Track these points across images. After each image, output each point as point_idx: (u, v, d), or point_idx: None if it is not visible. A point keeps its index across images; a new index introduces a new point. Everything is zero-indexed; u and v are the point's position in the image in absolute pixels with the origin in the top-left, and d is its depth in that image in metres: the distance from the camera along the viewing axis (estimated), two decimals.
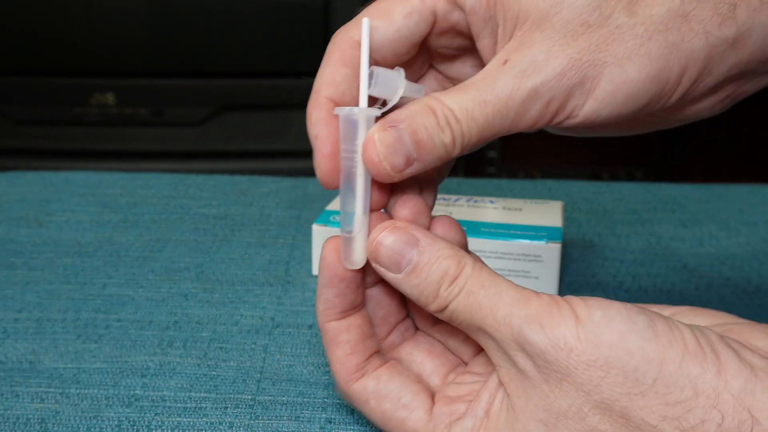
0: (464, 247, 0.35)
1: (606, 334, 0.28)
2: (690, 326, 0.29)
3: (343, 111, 0.32)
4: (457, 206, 0.53)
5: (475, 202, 0.54)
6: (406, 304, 0.37)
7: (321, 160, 0.33)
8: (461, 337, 0.36)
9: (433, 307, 0.32)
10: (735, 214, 0.63)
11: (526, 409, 0.30)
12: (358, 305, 0.34)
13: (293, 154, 1.47)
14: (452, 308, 0.31)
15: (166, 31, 1.45)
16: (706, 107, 0.34)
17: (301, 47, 1.43)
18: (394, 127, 0.31)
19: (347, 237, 0.33)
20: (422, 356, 0.35)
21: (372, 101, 0.33)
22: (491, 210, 0.53)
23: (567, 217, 0.62)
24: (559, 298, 0.30)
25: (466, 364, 0.35)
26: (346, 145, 0.33)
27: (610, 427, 0.28)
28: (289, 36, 1.43)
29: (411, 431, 0.32)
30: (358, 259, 0.33)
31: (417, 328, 0.37)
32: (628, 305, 0.29)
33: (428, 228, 0.34)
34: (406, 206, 0.34)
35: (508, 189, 0.68)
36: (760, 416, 0.27)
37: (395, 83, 0.33)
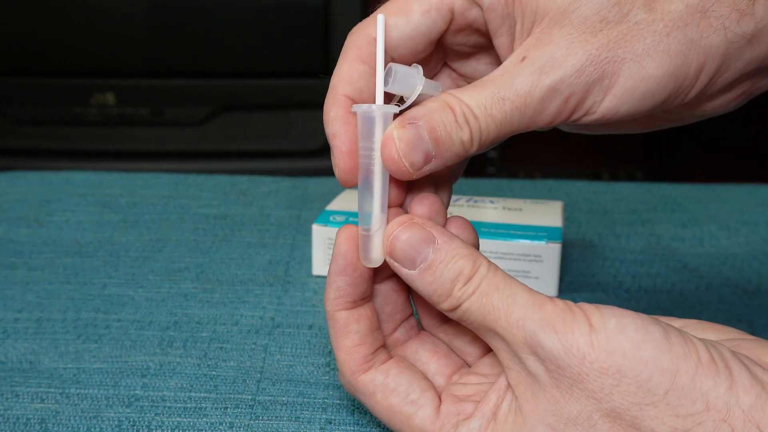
0: (476, 248, 0.35)
1: (620, 343, 0.28)
2: (703, 340, 0.29)
3: (361, 108, 0.32)
4: (457, 206, 0.53)
5: (475, 202, 0.54)
6: (412, 302, 0.37)
7: (340, 158, 0.33)
8: (467, 339, 0.35)
9: (445, 305, 0.32)
10: (735, 214, 0.63)
11: (535, 412, 0.30)
12: (367, 296, 0.34)
13: (293, 154, 1.47)
14: (465, 308, 0.31)
15: (166, 31, 1.45)
16: (722, 104, 0.34)
17: (301, 47, 1.43)
18: (412, 124, 0.31)
19: (365, 235, 0.33)
20: (427, 355, 0.35)
21: (389, 98, 0.33)
22: (491, 210, 0.53)
23: (567, 217, 0.62)
24: (573, 304, 0.30)
25: (469, 366, 0.35)
26: (364, 142, 0.32)
27: None
28: (289, 36, 1.43)
29: (417, 428, 0.32)
30: (377, 257, 0.33)
31: (420, 328, 0.37)
32: (642, 315, 0.29)
33: (443, 223, 0.34)
34: (424, 204, 0.34)
35: (508, 189, 0.68)
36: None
37: (413, 80, 0.33)
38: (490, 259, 0.47)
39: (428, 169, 0.32)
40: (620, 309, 0.29)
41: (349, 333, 0.33)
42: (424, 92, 0.33)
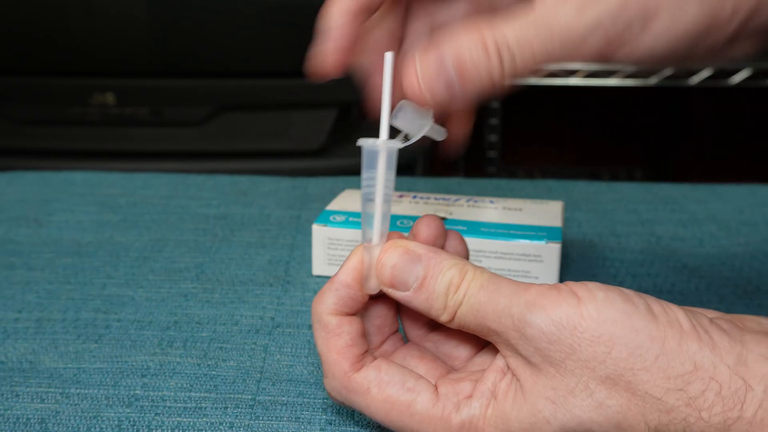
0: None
1: (611, 313, 0.29)
2: (681, 308, 0.30)
3: (367, 143, 0.33)
4: (457, 206, 0.53)
5: (475, 202, 0.54)
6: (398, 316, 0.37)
7: (330, 45, 0.32)
8: (453, 343, 0.36)
9: (444, 317, 0.32)
10: (735, 214, 0.63)
11: (534, 389, 0.30)
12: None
13: (293, 154, 1.47)
14: (459, 314, 0.32)
15: (166, 31, 1.45)
16: (742, 48, 0.34)
17: (301, 47, 1.43)
18: (437, 51, 0.31)
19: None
20: (415, 361, 0.36)
21: (394, 133, 0.34)
22: (491, 210, 0.53)
23: (567, 217, 0.62)
24: (558, 283, 0.31)
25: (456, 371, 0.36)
26: (367, 173, 0.33)
27: (616, 401, 0.29)
28: (289, 36, 1.43)
29: (418, 413, 0.32)
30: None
31: (406, 342, 0.38)
32: (624, 289, 0.31)
33: (444, 242, 0.36)
34: (432, 227, 0.35)
35: (508, 189, 0.68)
36: (752, 382, 0.28)
37: (421, 120, 0.33)
38: (490, 259, 0.48)
39: (449, 102, 0.31)
40: (604, 284, 0.31)
41: (341, 334, 0.34)
42: (429, 135, 0.34)
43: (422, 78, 0.31)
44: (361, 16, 0.33)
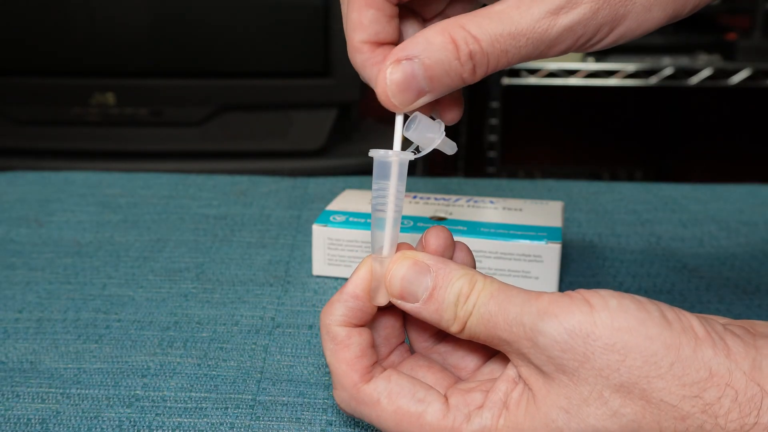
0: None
1: (625, 320, 0.29)
2: (695, 314, 0.30)
3: (378, 153, 0.33)
4: (457, 206, 0.53)
5: (475, 202, 0.54)
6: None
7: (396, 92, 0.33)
8: (461, 353, 0.36)
9: (454, 328, 0.32)
10: (735, 214, 0.63)
11: (547, 398, 0.30)
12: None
13: (293, 154, 1.47)
14: (469, 324, 0.32)
15: (166, 31, 1.45)
16: None
17: (301, 47, 1.43)
18: (409, 60, 0.31)
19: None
20: (423, 371, 0.35)
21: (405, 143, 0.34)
22: (491, 210, 0.53)
23: (567, 217, 0.62)
24: (569, 291, 0.31)
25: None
26: (378, 184, 0.33)
27: (631, 410, 0.29)
28: (289, 36, 1.43)
29: (428, 425, 0.32)
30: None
31: (412, 353, 0.37)
32: (637, 296, 0.31)
33: (453, 253, 0.35)
34: (440, 238, 0.35)
35: (508, 189, 0.68)
36: None
37: (432, 134, 0.33)
38: (490, 259, 0.48)
39: (421, 103, 0.32)
40: (617, 291, 0.31)
41: (350, 345, 0.33)
42: (438, 148, 0.34)
43: (391, 92, 0.32)
44: (383, 45, 0.34)
